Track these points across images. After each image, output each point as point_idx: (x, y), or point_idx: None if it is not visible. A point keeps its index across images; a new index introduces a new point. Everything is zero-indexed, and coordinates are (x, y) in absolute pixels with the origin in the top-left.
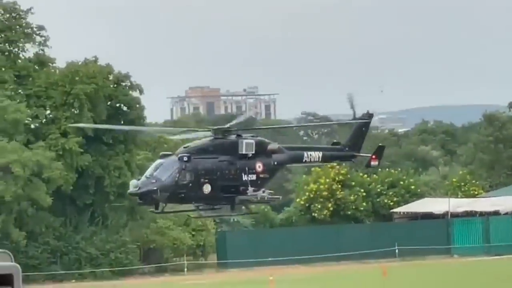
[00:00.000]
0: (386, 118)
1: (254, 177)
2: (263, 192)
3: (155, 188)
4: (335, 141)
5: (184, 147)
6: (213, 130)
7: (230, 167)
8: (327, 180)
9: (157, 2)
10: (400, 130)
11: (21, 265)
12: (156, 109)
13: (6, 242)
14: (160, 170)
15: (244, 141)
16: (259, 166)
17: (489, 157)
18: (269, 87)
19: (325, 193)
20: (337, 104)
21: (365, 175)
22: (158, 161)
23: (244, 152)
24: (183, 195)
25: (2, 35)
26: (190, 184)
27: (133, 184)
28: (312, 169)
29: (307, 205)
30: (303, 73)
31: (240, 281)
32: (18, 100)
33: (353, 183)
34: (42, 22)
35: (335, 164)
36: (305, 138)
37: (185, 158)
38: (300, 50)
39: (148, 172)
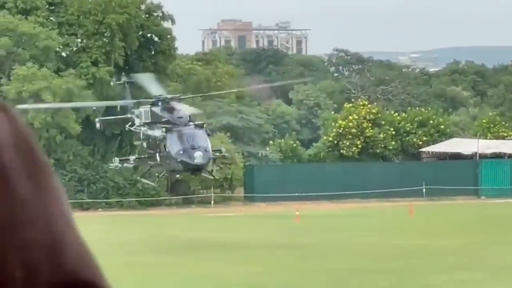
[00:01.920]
0: (418, 57)
1: None
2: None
3: (212, 157)
4: None
5: (179, 117)
6: (161, 100)
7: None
8: (357, 117)
9: None
10: (431, 70)
11: None
12: (188, 40)
13: None
14: (199, 140)
15: (188, 107)
16: None
17: None
18: (301, 22)
19: (354, 130)
20: (370, 41)
21: (395, 114)
22: (179, 132)
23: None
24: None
25: None
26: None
27: (200, 156)
28: (345, 105)
29: (335, 141)
30: (336, 8)
31: (266, 215)
32: (49, 28)
33: (383, 122)
34: None
35: (366, 102)
36: (336, 74)
37: (205, 125)
38: None
39: (187, 144)
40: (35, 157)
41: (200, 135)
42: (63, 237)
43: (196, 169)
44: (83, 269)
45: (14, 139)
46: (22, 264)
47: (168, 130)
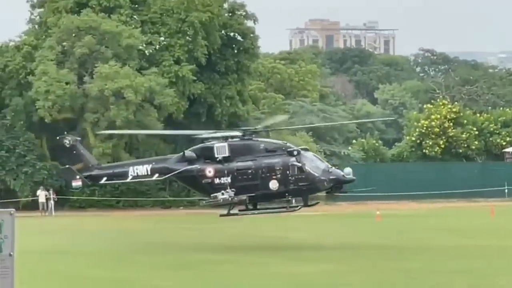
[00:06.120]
0: (505, 57)
1: None
2: None
3: None
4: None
5: (285, 142)
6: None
7: None
8: (438, 117)
9: None
10: None
11: (129, 191)
12: (276, 39)
13: None
14: (322, 160)
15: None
16: None
17: None
18: (389, 22)
19: (436, 129)
20: (460, 41)
21: (478, 114)
22: (310, 153)
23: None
24: None
25: None
26: None
27: (351, 172)
28: (425, 106)
29: (418, 141)
30: (424, 8)
31: (348, 214)
32: (132, 26)
33: (465, 121)
34: None
35: (446, 101)
36: (421, 74)
37: None
38: None
39: (322, 165)
40: None
41: (317, 157)
42: None
43: (342, 185)
44: None
45: None
46: None
47: (293, 155)
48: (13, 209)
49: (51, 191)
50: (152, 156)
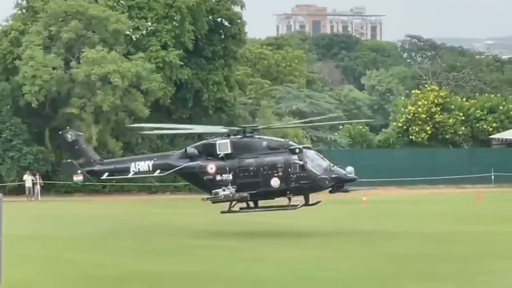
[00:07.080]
0: (492, 43)
1: None
2: None
3: None
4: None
5: (287, 140)
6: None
7: None
8: (426, 102)
9: None
10: (504, 57)
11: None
12: (262, 25)
13: (102, 152)
14: (324, 159)
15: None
16: None
17: None
18: (376, 8)
19: (423, 115)
20: (444, 27)
21: (465, 99)
22: (312, 151)
23: None
24: None
25: None
26: None
27: (352, 171)
28: (412, 91)
29: (405, 127)
30: None
31: (333, 200)
32: (119, 11)
33: (452, 107)
34: None
35: (434, 86)
36: (408, 60)
37: None
38: None
39: (324, 163)
40: None
41: (319, 155)
42: None
43: (343, 184)
44: None
45: None
46: None
47: (295, 153)
48: (1, 194)
49: (37, 176)
50: (139, 142)
